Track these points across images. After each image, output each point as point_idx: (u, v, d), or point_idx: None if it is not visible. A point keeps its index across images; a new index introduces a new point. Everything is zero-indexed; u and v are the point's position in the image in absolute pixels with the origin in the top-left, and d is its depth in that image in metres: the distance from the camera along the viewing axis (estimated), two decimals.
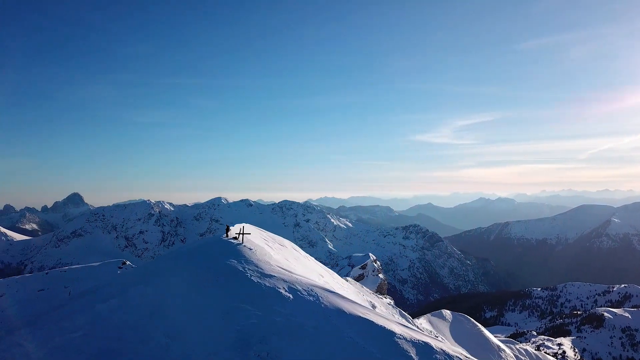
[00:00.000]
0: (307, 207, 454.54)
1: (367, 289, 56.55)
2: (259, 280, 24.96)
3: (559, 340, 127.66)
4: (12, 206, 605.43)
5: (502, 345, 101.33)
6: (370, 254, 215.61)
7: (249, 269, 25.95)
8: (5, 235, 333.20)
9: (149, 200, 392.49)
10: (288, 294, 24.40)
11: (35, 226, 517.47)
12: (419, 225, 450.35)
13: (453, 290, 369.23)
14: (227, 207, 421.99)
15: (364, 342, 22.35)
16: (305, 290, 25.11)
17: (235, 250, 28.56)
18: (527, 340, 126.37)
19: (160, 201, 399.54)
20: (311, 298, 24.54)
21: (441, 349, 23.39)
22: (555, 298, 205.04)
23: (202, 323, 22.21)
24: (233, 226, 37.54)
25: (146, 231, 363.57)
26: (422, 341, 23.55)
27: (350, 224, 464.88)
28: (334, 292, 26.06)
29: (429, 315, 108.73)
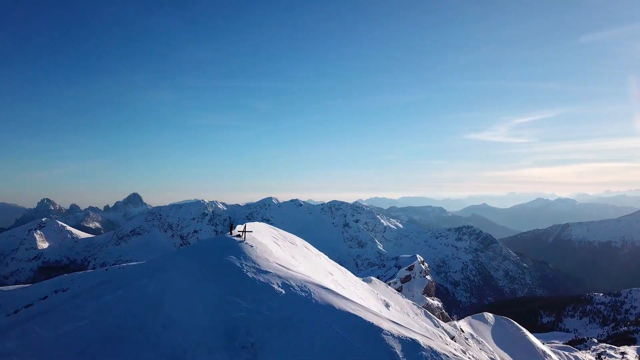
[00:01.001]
0: (356, 207, 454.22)
1: (392, 289, 56.45)
2: (254, 276, 26.05)
3: (622, 348, 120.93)
4: (77, 206, 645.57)
5: (549, 351, 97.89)
6: (417, 255, 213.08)
7: (246, 265, 27.12)
8: (71, 233, 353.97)
9: (202, 200, 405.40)
10: (280, 289, 25.33)
11: (98, 225, 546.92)
12: (472, 227, 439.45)
13: (508, 293, 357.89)
14: (277, 207, 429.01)
15: (350, 337, 22.87)
16: (298, 286, 25.94)
17: (236, 247, 29.84)
18: (587, 348, 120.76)
19: (213, 201, 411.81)
20: (303, 293, 25.34)
21: (429, 347, 23.49)
22: (619, 304, 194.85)
23: (195, 314, 23.54)
24: (251, 223, 38.78)
25: (200, 230, 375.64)
26: (410, 338, 23.73)
27: (400, 225, 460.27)
28: (327, 289, 26.71)
29: (469, 317, 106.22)
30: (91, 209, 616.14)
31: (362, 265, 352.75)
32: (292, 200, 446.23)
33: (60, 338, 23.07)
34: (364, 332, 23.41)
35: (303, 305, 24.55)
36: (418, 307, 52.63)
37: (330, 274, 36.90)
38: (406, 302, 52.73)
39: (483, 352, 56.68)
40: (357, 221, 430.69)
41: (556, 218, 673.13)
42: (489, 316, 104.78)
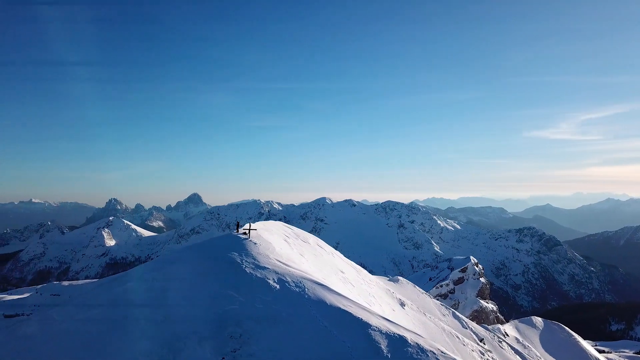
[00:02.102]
0: (411, 208, 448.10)
1: (420, 289, 56.08)
2: (252, 271, 27.34)
3: None
4: (142, 205, 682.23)
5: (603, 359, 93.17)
6: (471, 257, 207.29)
7: (246, 261, 28.48)
8: (136, 231, 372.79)
9: (259, 200, 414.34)
10: (275, 284, 26.45)
11: (160, 223, 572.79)
12: (534, 228, 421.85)
13: (574, 298, 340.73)
14: (331, 207, 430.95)
15: (337, 331, 23.64)
16: (293, 281, 26.96)
17: (239, 245, 31.26)
18: None
19: (269, 201, 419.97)
20: (297, 289, 26.33)
21: (416, 344, 23.79)
22: None
23: (193, 306, 25.16)
24: (254, 222, 40.16)
25: None
26: (398, 334, 24.14)
27: (458, 226, 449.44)
28: (322, 285, 27.54)
29: (516, 321, 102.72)
30: (155, 208, 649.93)
31: (417, 266, 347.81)
32: (345, 201, 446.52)
33: (72, 325, 25.45)
34: (352, 327, 24.08)
35: (295, 300, 25.55)
36: (447, 308, 52.04)
37: (341, 271, 37.56)
38: (433, 303, 52.29)
39: (517, 357, 55.10)
40: (412, 222, 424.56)
41: (628, 220, 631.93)
42: (538, 320, 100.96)
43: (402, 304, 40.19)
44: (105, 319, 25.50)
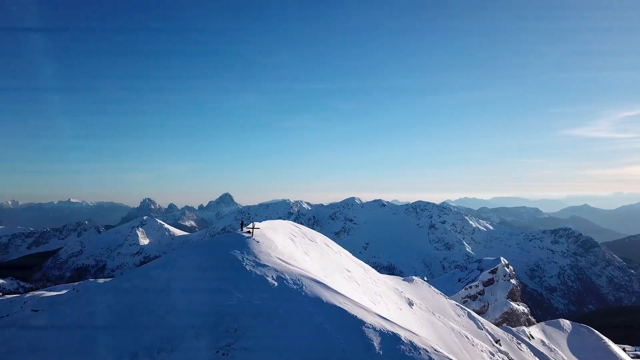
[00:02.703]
0: (443, 208, 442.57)
1: (435, 290, 55.65)
2: (251, 269, 28.07)
3: None
4: (175, 205, 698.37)
5: None
6: (502, 258, 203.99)
7: (247, 259, 29.23)
8: (168, 230, 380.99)
9: (288, 200, 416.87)
10: (274, 282, 27.09)
11: (193, 223, 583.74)
12: (570, 229, 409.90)
13: (612, 301, 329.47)
14: (360, 207, 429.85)
15: (331, 328, 24.09)
16: (292, 279, 27.54)
17: (242, 243, 32.05)
18: None
19: (298, 201, 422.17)
20: (295, 286, 26.90)
21: (409, 341, 23.98)
22: None
23: (194, 301, 26.05)
24: (262, 221, 40.85)
25: None
26: (392, 332, 24.40)
27: (490, 227, 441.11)
28: (320, 283, 28.01)
29: (542, 323, 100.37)
30: (187, 208, 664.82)
31: (448, 267, 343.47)
32: (375, 201, 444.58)
33: (81, 318, 26.72)
34: (346, 324, 24.47)
35: (292, 297, 26.13)
36: (462, 309, 51.61)
37: (347, 270, 37.86)
38: (448, 304, 51.91)
39: (536, 359, 54.10)
40: (443, 222, 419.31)
41: None
42: (565, 323, 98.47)
43: (411, 304, 40.15)
44: (111, 313, 26.69)
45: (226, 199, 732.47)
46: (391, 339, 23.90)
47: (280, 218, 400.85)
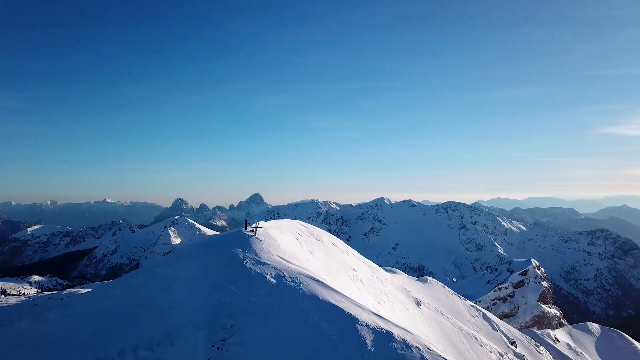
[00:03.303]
0: (474, 208, 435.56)
1: (450, 290, 55.15)
2: (251, 267, 28.82)
3: None
4: (206, 205, 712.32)
5: None
6: (532, 260, 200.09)
7: (247, 257, 29.99)
8: (200, 230, 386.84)
9: (317, 200, 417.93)
10: (272, 279, 27.75)
11: (224, 222, 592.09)
12: (607, 230, 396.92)
13: None
14: (389, 207, 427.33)
15: (325, 325, 24.58)
16: (290, 277, 28.14)
17: (245, 241, 32.82)
18: None
19: (327, 201, 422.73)
20: (292, 284, 27.48)
21: (402, 339, 24.24)
22: None
23: (195, 297, 26.99)
24: (269, 220, 41.49)
25: None
26: (385, 330, 24.70)
27: (524, 228, 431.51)
28: (318, 281, 28.51)
29: (569, 327, 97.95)
30: (218, 208, 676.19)
31: (480, 269, 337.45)
32: (404, 201, 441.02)
33: (90, 312, 28.10)
34: (340, 322, 24.92)
35: (289, 294, 26.74)
36: (477, 310, 51.12)
37: (353, 269, 38.18)
38: (462, 304, 51.46)
39: None
40: (475, 223, 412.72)
41: None
42: (594, 327, 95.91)
43: (418, 303, 40.14)
44: (118, 308, 27.89)
45: (256, 199, 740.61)
46: (384, 337, 24.18)
47: (308, 218, 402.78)
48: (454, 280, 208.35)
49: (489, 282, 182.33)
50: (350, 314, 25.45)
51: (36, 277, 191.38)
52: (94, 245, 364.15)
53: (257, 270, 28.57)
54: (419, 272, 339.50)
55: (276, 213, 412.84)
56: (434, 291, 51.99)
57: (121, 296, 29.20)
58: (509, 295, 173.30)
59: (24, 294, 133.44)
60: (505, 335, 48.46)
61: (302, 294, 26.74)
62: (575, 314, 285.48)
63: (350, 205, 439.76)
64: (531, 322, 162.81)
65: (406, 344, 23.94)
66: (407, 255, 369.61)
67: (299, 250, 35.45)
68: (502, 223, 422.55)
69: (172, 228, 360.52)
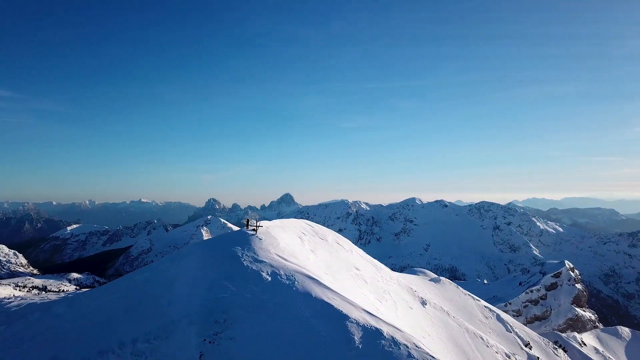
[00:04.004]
0: (508, 209, 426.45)
1: (464, 291, 54.56)
2: (249, 264, 29.64)
3: None
4: (238, 205, 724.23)
5: None
6: (566, 262, 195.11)
7: (246, 255, 30.83)
8: (231, 229, 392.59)
9: (347, 200, 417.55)
10: (267, 277, 28.49)
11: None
12: None
13: None
14: (421, 207, 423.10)
15: (315, 321, 25.21)
16: (285, 274, 28.82)
17: (245, 240, 33.67)
18: None
19: (357, 201, 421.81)
20: (287, 282, 28.17)
21: (391, 337, 24.58)
22: None
23: (192, 293, 28.03)
24: (272, 219, 42.17)
25: (344, 229, 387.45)
26: (375, 327, 25.04)
27: (560, 229, 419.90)
28: (313, 279, 29.10)
29: (597, 330, 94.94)
30: (250, 207, 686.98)
31: (514, 270, 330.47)
32: (436, 201, 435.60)
33: (95, 307, 29.62)
34: (330, 319, 25.46)
35: (283, 291, 27.45)
36: (491, 311, 50.54)
37: (356, 268, 38.46)
38: (476, 305, 50.94)
39: None
40: (509, 224, 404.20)
41: None
42: (624, 331, 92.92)
43: (424, 303, 40.09)
44: (121, 303, 29.24)
45: (287, 199, 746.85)
46: (373, 334, 24.56)
47: (338, 218, 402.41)
48: (485, 281, 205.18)
49: (520, 284, 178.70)
50: (341, 311, 25.91)
51: (75, 275, 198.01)
52: (130, 244, 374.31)
53: (254, 267, 29.38)
54: (450, 273, 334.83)
55: (306, 213, 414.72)
56: (447, 292, 51.66)
57: (125, 292, 30.57)
58: (541, 298, 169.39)
59: (63, 290, 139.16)
60: (519, 336, 47.76)
61: (296, 291, 27.38)
62: (614, 318, 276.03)
63: (381, 206, 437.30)
64: (564, 326, 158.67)
65: (394, 342, 24.25)
66: (439, 256, 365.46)
67: (300, 249, 36.08)
68: (538, 224, 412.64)
69: (205, 227, 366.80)
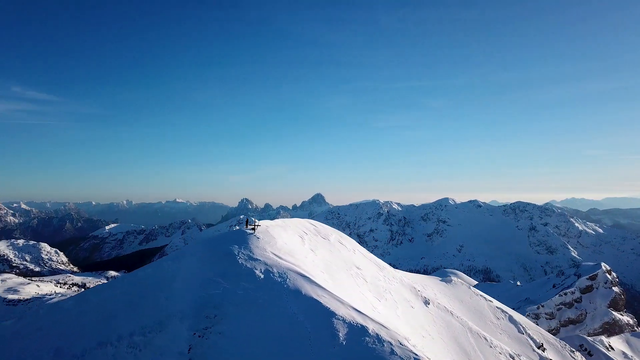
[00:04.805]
0: (545, 209, 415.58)
1: (476, 291, 53.82)
2: (243, 262, 30.56)
3: None
4: (270, 205, 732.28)
5: None
6: (602, 264, 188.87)
7: (242, 253, 31.78)
8: None
9: (378, 200, 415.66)
10: (260, 274, 29.33)
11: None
12: None
13: None
14: (454, 207, 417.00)
15: (303, 317, 25.93)
16: (278, 272, 29.61)
17: (242, 238, 34.61)
18: None
19: (388, 201, 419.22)
20: (279, 279, 28.93)
21: (376, 334, 25.03)
22: None
23: (188, 289, 29.11)
24: (281, 217, 42.86)
25: (376, 229, 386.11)
26: (360, 324, 25.50)
27: (600, 230, 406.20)
28: (305, 277, 29.82)
29: (627, 334, 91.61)
30: (281, 207, 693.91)
31: (551, 272, 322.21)
32: (470, 201, 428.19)
33: (100, 301, 31.21)
34: (317, 315, 26.12)
35: (274, 288, 28.25)
36: (503, 312, 49.88)
37: (357, 267, 38.76)
38: (488, 306, 50.35)
39: None
40: (545, 224, 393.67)
41: None
42: None
43: (427, 302, 40.01)
44: (124, 298, 30.68)
45: (318, 199, 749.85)
46: (358, 331, 25.03)
47: (369, 219, 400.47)
48: (518, 283, 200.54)
49: (554, 286, 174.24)
50: (329, 308, 26.44)
51: (112, 272, 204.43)
52: (165, 243, 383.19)
53: (248, 265, 30.28)
54: (484, 275, 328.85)
55: (337, 213, 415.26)
56: (458, 292, 51.23)
57: (128, 287, 32.05)
58: (576, 301, 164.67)
59: None
60: (532, 338, 46.94)
61: (287, 289, 28.10)
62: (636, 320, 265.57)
63: (413, 206, 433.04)
64: (600, 330, 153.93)
65: (379, 339, 24.62)
66: (473, 257, 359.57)
67: (299, 247, 36.75)
68: (576, 225, 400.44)
69: (237, 227, 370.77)
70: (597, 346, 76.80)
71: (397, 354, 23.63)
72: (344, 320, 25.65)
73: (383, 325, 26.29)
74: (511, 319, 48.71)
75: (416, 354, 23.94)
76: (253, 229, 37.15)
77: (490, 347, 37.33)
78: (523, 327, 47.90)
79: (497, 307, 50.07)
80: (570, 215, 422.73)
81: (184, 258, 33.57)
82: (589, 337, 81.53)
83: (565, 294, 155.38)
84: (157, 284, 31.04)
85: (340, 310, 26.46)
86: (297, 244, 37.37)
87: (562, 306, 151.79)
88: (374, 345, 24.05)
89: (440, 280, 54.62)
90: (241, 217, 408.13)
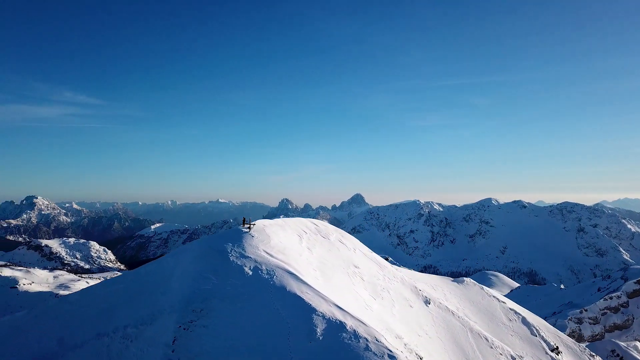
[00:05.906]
0: (594, 210, 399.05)
1: (489, 292, 52.83)
2: (234, 259, 31.74)
3: None
4: (310, 205, 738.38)
5: None
6: None
7: (234, 250, 32.93)
8: None
9: (418, 200, 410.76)
10: (249, 271, 30.43)
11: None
12: None
13: None
14: (497, 208, 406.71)
15: (284, 312, 26.93)
16: (266, 269, 30.64)
17: (237, 237, 35.74)
18: None
19: (429, 202, 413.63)
20: (266, 276, 29.91)
21: (353, 330, 25.61)
22: None
23: (181, 284, 30.46)
24: (277, 216, 43.66)
25: (416, 230, 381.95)
26: (340, 321, 26.19)
27: None
28: (292, 274, 30.76)
29: None
30: (321, 207, 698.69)
31: (601, 276, 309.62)
32: (514, 202, 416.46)
33: (102, 295, 33.24)
34: (299, 311, 26.99)
35: (260, 284, 29.27)
36: (516, 314, 48.89)
37: (355, 266, 39.11)
38: (500, 307, 49.42)
39: None
40: (595, 226, 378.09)
41: None
42: None
43: (427, 302, 39.88)
44: (124, 292, 32.51)
45: (358, 199, 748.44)
46: (336, 327, 25.70)
47: (409, 219, 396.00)
48: (562, 286, 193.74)
49: (599, 289, 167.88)
50: (310, 304, 27.18)
51: None
52: None
53: (239, 262, 31.46)
54: (529, 277, 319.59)
55: (376, 214, 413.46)
56: (469, 292, 50.59)
57: (130, 282, 33.90)
58: (622, 305, 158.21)
59: None
60: (545, 341, 45.83)
61: (273, 285, 29.07)
62: None
63: (455, 206, 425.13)
64: None
65: (355, 335, 25.19)
66: (517, 259, 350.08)
67: (295, 246, 37.57)
68: (629, 226, 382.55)
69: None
70: (631, 352, 73.61)
71: (371, 350, 24.10)
72: (323, 317, 26.33)
73: (362, 322, 26.78)
74: (524, 321, 47.71)
75: (390, 351, 24.31)
76: (249, 227, 38.27)
77: (491, 347, 36.92)
78: (536, 329, 46.83)
79: (510, 308, 49.14)
80: (622, 217, 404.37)
81: (182, 255, 35.16)
82: (622, 343, 78.15)
83: (611, 298, 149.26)
84: (156, 279, 32.75)
85: (322, 307, 27.12)
86: (294, 242, 38.24)
87: (607, 311, 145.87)
88: (349, 341, 24.61)
89: (452, 281, 54.15)
90: (281, 217, 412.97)
